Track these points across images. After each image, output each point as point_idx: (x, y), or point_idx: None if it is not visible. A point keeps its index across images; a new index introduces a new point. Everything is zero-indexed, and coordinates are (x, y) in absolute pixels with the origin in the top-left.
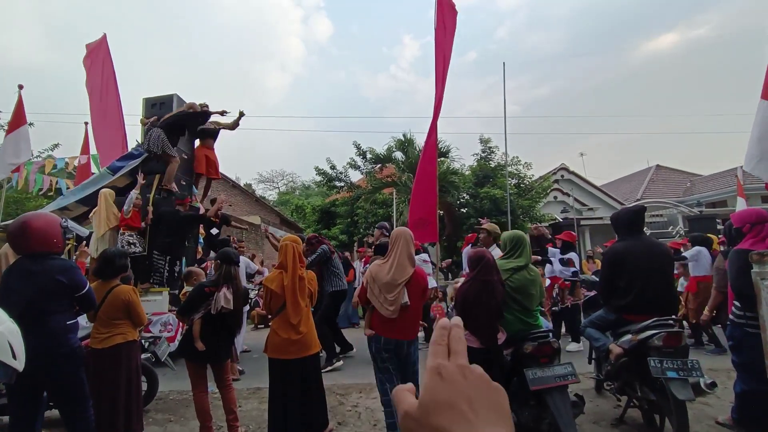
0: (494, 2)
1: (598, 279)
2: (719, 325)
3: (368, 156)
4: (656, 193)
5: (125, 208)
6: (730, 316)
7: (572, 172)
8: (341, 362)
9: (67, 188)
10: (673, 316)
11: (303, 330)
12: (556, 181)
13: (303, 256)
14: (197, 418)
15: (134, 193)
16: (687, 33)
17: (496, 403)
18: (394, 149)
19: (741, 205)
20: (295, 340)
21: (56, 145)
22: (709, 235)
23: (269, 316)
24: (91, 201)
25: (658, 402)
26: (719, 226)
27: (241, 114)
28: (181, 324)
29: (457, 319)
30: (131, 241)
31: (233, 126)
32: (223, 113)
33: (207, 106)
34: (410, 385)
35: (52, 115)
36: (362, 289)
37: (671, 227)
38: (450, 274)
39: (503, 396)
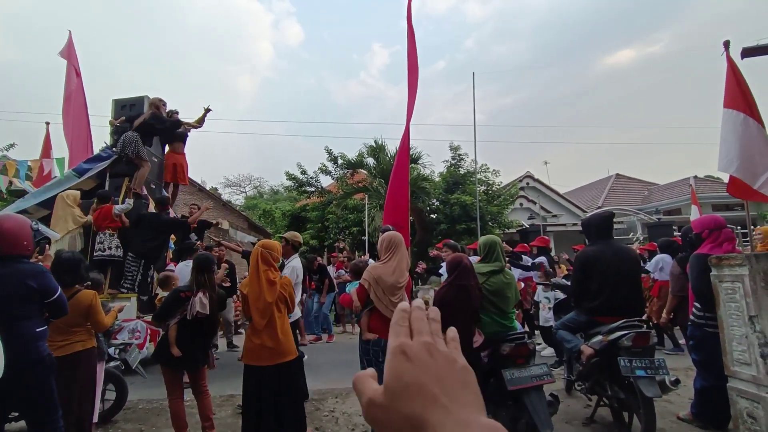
0: (463, 14)
1: (568, 283)
2: (677, 327)
3: (339, 161)
4: (616, 201)
5: (116, 212)
6: (691, 317)
7: (537, 180)
8: None
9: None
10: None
11: (276, 336)
12: (522, 188)
13: (272, 260)
14: (172, 425)
15: (130, 202)
16: (642, 49)
17: (467, 382)
18: (365, 155)
19: (695, 212)
20: (269, 346)
21: (12, 145)
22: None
23: (247, 321)
24: (53, 204)
25: (626, 400)
26: (676, 233)
27: (207, 110)
28: (149, 330)
29: (418, 301)
30: (118, 244)
31: (200, 122)
32: (207, 111)
33: (177, 112)
34: (371, 370)
35: (7, 113)
36: (362, 291)
37: (631, 233)
38: (420, 281)
39: (472, 374)
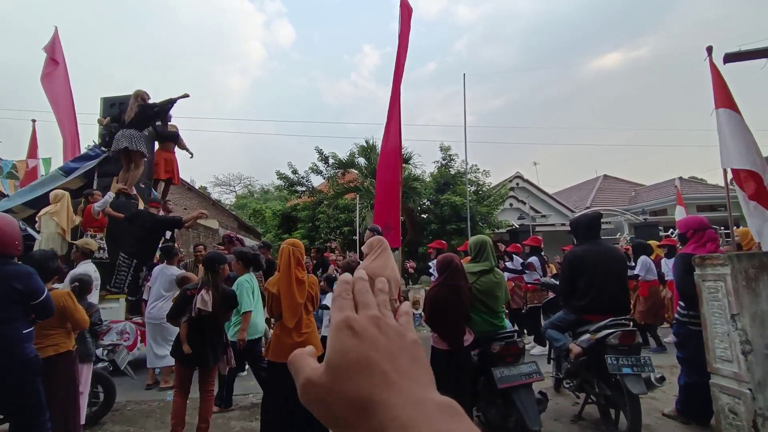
0: (453, 17)
1: (557, 282)
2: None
3: (330, 161)
4: (604, 202)
5: (97, 208)
6: (676, 315)
7: (526, 180)
8: (245, 372)
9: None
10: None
11: (305, 332)
12: (512, 188)
13: (301, 259)
14: (171, 420)
15: (111, 195)
16: (629, 53)
17: (416, 357)
18: (356, 155)
19: (680, 213)
20: (298, 342)
21: None
22: (649, 242)
23: (272, 320)
24: (39, 203)
25: (613, 397)
26: (662, 233)
27: (184, 95)
28: (138, 332)
29: (361, 272)
30: (102, 246)
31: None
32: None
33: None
34: (310, 348)
35: None
36: None
37: (618, 234)
38: (411, 280)
39: (421, 349)
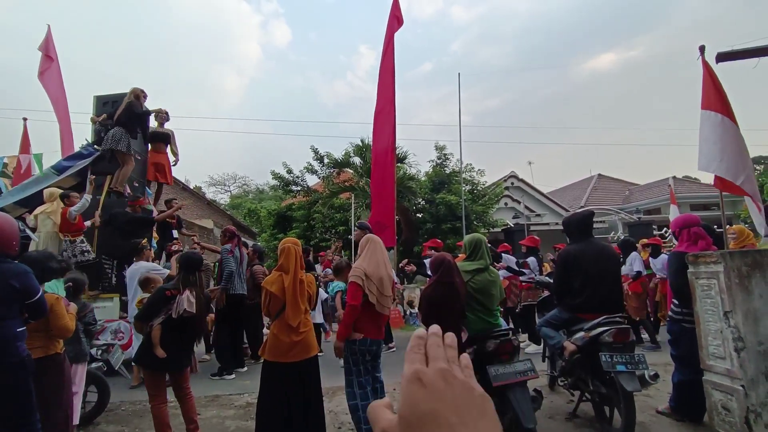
0: (449, 17)
1: (552, 280)
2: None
3: (326, 161)
4: (598, 201)
5: (74, 212)
6: (669, 313)
7: (521, 180)
8: (233, 376)
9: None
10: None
11: (303, 331)
12: (507, 187)
13: (303, 259)
14: (155, 430)
15: (87, 198)
16: (623, 53)
17: (485, 411)
18: (351, 154)
19: (674, 212)
20: (296, 341)
21: None
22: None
23: (269, 319)
24: (31, 202)
25: (608, 394)
26: (656, 232)
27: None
28: (133, 331)
29: (435, 327)
30: (84, 249)
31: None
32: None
33: (167, 112)
34: (386, 399)
35: None
36: (358, 289)
37: (612, 233)
38: (406, 279)
39: (490, 402)
